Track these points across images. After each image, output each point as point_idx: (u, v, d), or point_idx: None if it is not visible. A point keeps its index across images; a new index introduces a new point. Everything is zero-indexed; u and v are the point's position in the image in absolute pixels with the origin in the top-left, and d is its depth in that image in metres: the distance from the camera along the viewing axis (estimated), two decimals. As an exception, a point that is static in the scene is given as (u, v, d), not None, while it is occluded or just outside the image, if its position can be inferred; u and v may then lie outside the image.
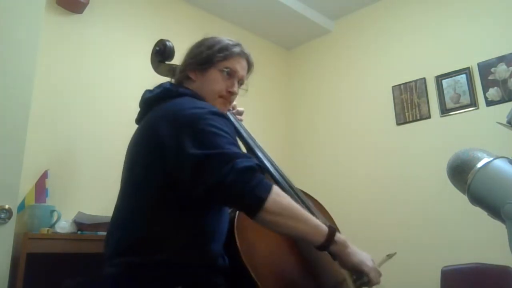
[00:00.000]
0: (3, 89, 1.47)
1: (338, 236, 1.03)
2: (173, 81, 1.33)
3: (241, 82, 1.29)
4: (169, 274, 1.00)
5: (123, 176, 1.17)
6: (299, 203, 1.26)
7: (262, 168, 1.03)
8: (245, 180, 0.95)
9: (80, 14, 2.36)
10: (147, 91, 1.26)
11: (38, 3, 1.63)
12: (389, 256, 1.19)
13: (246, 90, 1.32)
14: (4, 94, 1.47)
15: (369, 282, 1.05)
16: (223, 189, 0.95)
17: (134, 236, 1.04)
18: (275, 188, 0.99)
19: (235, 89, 1.25)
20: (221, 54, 1.22)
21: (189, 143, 1.00)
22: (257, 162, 1.02)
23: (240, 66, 1.26)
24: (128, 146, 1.19)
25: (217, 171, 0.95)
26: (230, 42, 1.26)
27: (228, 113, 1.42)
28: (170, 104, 1.12)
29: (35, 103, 1.64)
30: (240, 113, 1.49)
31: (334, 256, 1.05)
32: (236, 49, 1.26)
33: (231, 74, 1.24)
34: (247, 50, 1.30)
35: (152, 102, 1.20)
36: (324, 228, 1.02)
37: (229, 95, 1.25)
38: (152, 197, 1.06)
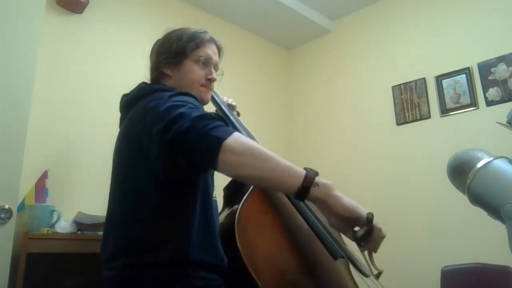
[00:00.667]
0: (3, 89, 1.47)
1: (321, 179, 0.88)
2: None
3: (216, 67, 1.28)
4: (168, 275, 0.99)
5: (113, 180, 1.16)
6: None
7: (223, 118, 0.96)
8: (201, 125, 0.90)
9: (80, 14, 2.36)
10: (124, 95, 1.25)
11: (38, 3, 1.63)
12: (376, 277, 1.01)
13: (222, 75, 1.31)
14: (4, 94, 1.47)
15: (373, 231, 0.87)
16: (180, 139, 0.91)
17: (132, 238, 1.04)
18: (238, 133, 0.91)
19: (214, 75, 1.25)
20: (192, 43, 1.21)
21: (155, 126, 0.98)
22: (217, 113, 0.99)
23: (212, 52, 1.25)
24: (114, 152, 1.18)
25: (175, 126, 0.92)
26: (198, 30, 1.25)
27: (223, 107, 1.44)
28: (144, 103, 1.11)
29: (35, 103, 1.64)
30: (233, 108, 1.51)
31: (319, 202, 0.88)
32: (205, 36, 1.25)
33: (206, 62, 1.23)
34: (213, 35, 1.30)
35: (129, 104, 1.19)
36: (300, 169, 0.88)
37: (209, 83, 1.24)
38: (146, 198, 1.05)
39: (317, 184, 0.86)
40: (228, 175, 0.93)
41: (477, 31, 2.61)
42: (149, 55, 1.45)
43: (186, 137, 0.91)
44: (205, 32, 1.27)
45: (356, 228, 0.87)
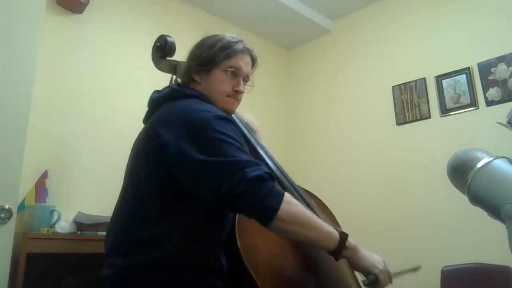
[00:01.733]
0: (3, 89, 1.47)
1: (349, 242, 1.05)
2: (178, 79, 1.32)
3: (246, 79, 1.26)
4: (166, 275, 1.00)
5: (125, 175, 1.16)
6: (301, 201, 1.26)
7: (272, 175, 1.02)
8: (257, 191, 0.95)
9: (80, 14, 2.36)
10: (155, 91, 1.24)
11: (38, 3, 1.63)
12: (414, 270, 1.24)
13: (252, 86, 1.29)
14: (4, 94, 1.47)
15: (379, 284, 1.07)
16: (234, 199, 0.96)
17: (132, 237, 1.04)
18: (287, 196, 0.99)
19: (242, 87, 1.23)
20: (223, 53, 1.19)
21: (194, 148, 0.99)
22: (266, 170, 1.01)
23: (243, 63, 1.23)
24: (133, 145, 1.18)
25: (227, 180, 0.95)
26: (232, 39, 1.23)
27: (243, 128, 1.41)
28: (176, 106, 1.11)
29: (35, 103, 1.64)
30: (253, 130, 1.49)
31: (347, 259, 1.07)
32: (238, 46, 1.23)
33: (235, 73, 1.21)
34: (249, 45, 1.28)
35: (159, 102, 1.19)
36: (336, 234, 1.03)
37: (236, 94, 1.22)
38: (152, 197, 1.05)
39: (347, 247, 1.04)
40: (278, 235, 1.04)
41: (477, 31, 2.61)
42: (154, 49, 1.46)
43: (240, 201, 0.97)
44: (240, 41, 1.25)
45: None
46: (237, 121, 1.38)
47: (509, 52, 2.44)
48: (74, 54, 2.31)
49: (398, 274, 1.17)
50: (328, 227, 1.04)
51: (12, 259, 1.41)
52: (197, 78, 1.21)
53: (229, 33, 1.28)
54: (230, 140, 1.02)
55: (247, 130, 1.38)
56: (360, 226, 2.75)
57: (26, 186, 1.85)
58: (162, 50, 1.50)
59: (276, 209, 0.95)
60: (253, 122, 1.46)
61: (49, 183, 1.96)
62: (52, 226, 1.86)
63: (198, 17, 2.99)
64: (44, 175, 1.96)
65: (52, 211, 1.88)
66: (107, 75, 2.42)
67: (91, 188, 2.19)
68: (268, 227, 0.98)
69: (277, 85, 3.53)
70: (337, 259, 1.06)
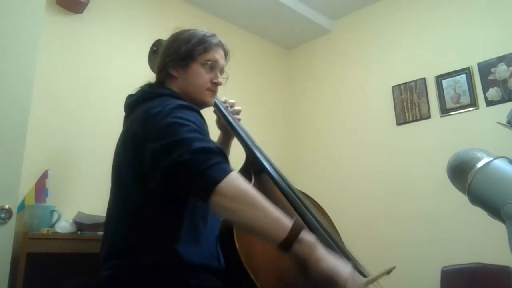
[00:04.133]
0: (3, 89, 1.47)
1: (305, 235, 0.90)
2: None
3: (221, 71, 1.29)
4: (166, 275, 1.00)
5: (112, 180, 1.17)
6: (296, 202, 1.25)
7: (223, 152, 0.97)
8: (200, 161, 0.90)
9: (80, 14, 2.36)
10: (128, 96, 1.25)
11: (38, 3, 1.63)
12: (388, 272, 1.06)
13: (227, 79, 1.32)
14: (4, 94, 1.47)
15: None
16: (176, 171, 0.92)
17: (127, 238, 1.04)
18: (235, 173, 0.93)
19: (220, 79, 1.26)
20: (201, 47, 1.21)
21: (153, 139, 0.99)
22: (217, 145, 0.98)
23: (219, 56, 1.26)
24: (114, 152, 1.19)
25: (173, 154, 0.92)
26: (206, 33, 1.26)
27: (226, 113, 1.42)
28: (145, 107, 1.11)
29: (35, 103, 1.64)
30: (237, 112, 1.48)
31: (300, 259, 0.90)
32: (214, 40, 1.26)
33: (213, 66, 1.24)
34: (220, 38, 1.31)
35: (132, 106, 1.20)
36: (287, 222, 0.89)
37: (215, 86, 1.25)
38: (141, 199, 1.05)
39: (300, 240, 0.88)
40: (218, 216, 0.97)
41: (477, 31, 2.61)
42: (150, 53, 1.45)
43: (183, 171, 0.91)
44: (213, 35, 1.27)
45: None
46: (231, 120, 1.39)
47: (509, 52, 2.44)
48: (74, 54, 2.31)
49: (371, 281, 1.01)
50: (279, 213, 0.90)
51: (12, 259, 1.41)
52: (174, 73, 1.22)
53: (228, 37, 1.30)
54: (185, 122, 1.00)
55: (242, 129, 1.40)
56: (359, 226, 2.76)
57: (26, 186, 1.84)
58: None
59: (216, 180, 0.88)
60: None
61: (49, 183, 1.96)
62: (52, 226, 1.85)
63: (198, 16, 2.99)
64: (44, 175, 1.96)
65: (52, 211, 1.88)
66: (107, 75, 2.42)
67: (91, 188, 2.19)
68: (207, 202, 0.90)
69: (277, 85, 3.53)
70: (285, 252, 0.89)
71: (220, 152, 0.96)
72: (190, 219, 1.05)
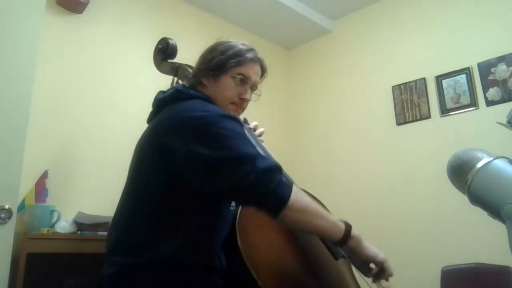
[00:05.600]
0: (3, 89, 1.47)
1: (354, 231, 1.07)
2: (180, 81, 1.33)
3: (254, 88, 1.27)
4: (167, 274, 1.00)
5: (128, 175, 1.17)
6: None
7: (280, 167, 1.03)
8: (267, 181, 0.96)
9: (80, 14, 2.36)
10: (160, 92, 1.25)
11: (38, 3, 1.63)
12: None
13: (259, 95, 1.31)
14: (4, 94, 1.47)
15: (385, 272, 1.10)
16: (244, 190, 0.96)
17: (133, 236, 1.05)
18: (295, 188, 1.01)
19: (248, 95, 1.24)
20: (234, 60, 1.20)
21: (202, 147, 0.99)
22: (276, 162, 1.03)
23: (253, 72, 1.25)
24: (136, 145, 1.18)
25: (238, 171, 0.95)
26: (244, 47, 1.24)
27: (248, 134, 1.42)
28: (180, 106, 1.11)
29: (35, 103, 1.64)
30: (260, 134, 1.49)
31: (350, 249, 1.08)
32: (250, 55, 1.24)
33: (244, 81, 1.22)
34: (260, 55, 1.29)
35: (163, 103, 1.19)
36: (341, 224, 1.06)
37: (241, 102, 1.23)
38: (152, 196, 1.06)
39: (352, 236, 1.07)
40: (286, 226, 1.09)
41: (477, 31, 2.61)
42: (155, 51, 1.44)
43: (251, 190, 0.96)
44: (252, 50, 1.26)
45: (372, 266, 1.12)
46: (244, 130, 1.38)
47: (509, 52, 2.44)
48: (74, 54, 2.31)
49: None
50: (333, 217, 1.07)
51: (12, 259, 1.42)
52: (205, 81, 1.22)
53: (241, 41, 1.28)
54: (236, 135, 1.03)
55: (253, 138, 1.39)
56: (359, 226, 2.75)
57: (26, 186, 1.84)
58: (164, 52, 1.50)
59: (286, 198, 0.96)
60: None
61: (49, 183, 1.96)
62: (52, 226, 1.86)
63: (198, 16, 2.99)
64: (44, 175, 1.96)
65: (52, 211, 1.88)
66: (107, 75, 2.42)
67: (91, 188, 2.19)
68: (277, 217, 0.98)
69: (277, 85, 3.53)
70: (342, 248, 1.09)
71: (280, 169, 1.02)
72: (199, 220, 1.06)
